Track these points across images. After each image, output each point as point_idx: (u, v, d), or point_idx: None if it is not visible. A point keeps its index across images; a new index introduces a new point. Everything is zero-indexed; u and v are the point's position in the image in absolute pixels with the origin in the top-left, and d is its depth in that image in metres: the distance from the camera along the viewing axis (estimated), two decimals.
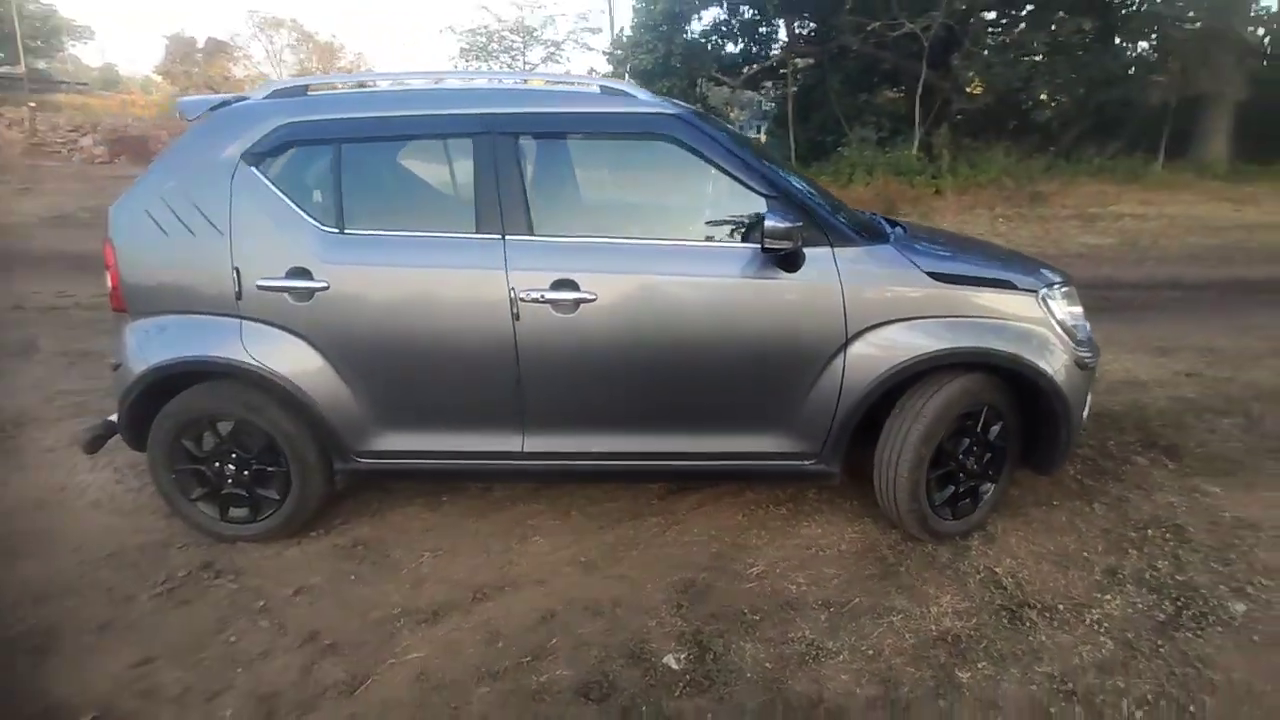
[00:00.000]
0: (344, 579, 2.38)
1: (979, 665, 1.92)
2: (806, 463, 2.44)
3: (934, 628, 2.07)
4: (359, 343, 2.36)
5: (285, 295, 2.34)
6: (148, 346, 2.41)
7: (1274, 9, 13.91)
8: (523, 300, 2.28)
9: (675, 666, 1.95)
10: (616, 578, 2.36)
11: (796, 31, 16.64)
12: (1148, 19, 14.56)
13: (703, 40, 16.80)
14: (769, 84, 18.89)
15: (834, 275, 2.28)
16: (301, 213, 2.36)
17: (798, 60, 16.85)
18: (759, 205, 2.32)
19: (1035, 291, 2.39)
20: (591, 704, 1.83)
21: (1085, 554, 2.40)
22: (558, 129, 2.43)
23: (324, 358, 2.38)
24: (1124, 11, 15.01)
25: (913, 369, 2.29)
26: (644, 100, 2.41)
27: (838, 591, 2.25)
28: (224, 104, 2.48)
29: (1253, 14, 14.65)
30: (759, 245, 2.25)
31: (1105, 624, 2.06)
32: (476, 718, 1.79)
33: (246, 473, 2.52)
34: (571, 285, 2.27)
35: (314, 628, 2.14)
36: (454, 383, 2.40)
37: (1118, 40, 15.15)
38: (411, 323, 2.35)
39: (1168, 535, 2.47)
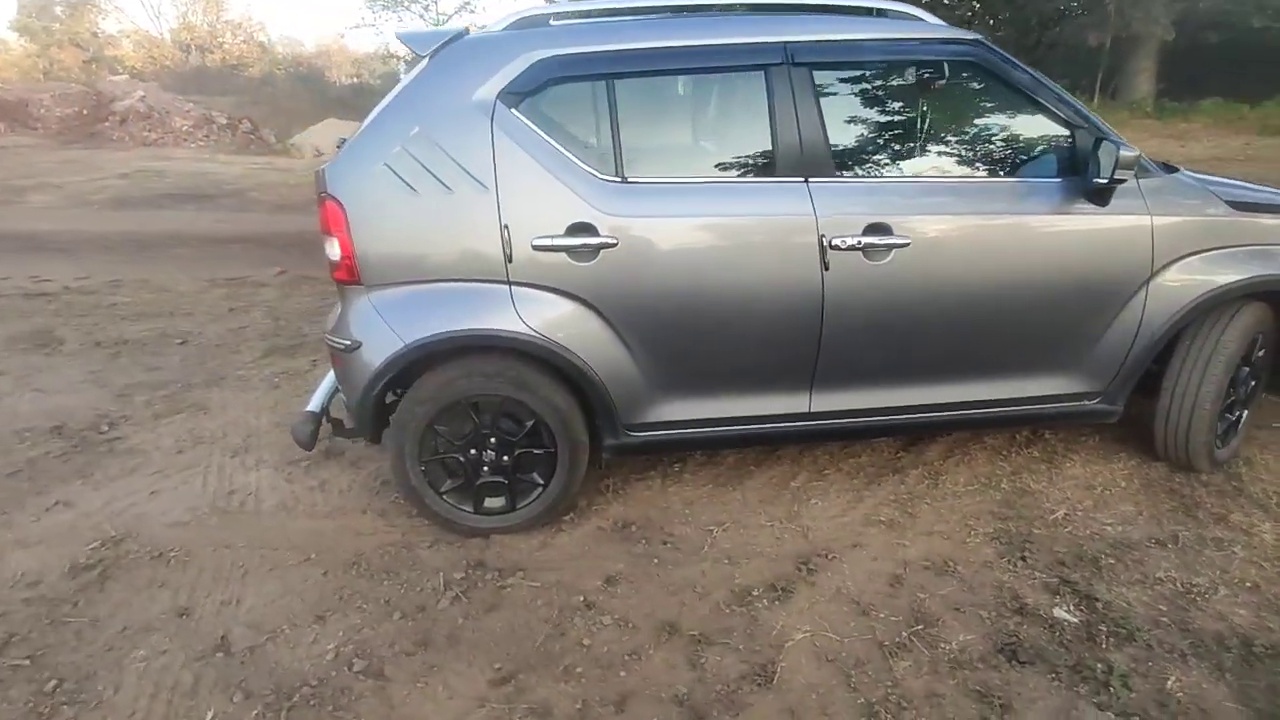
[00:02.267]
0: (647, 563, 2.19)
1: None
2: (1091, 402, 2.41)
3: (1274, 552, 2.09)
4: (647, 304, 2.12)
5: (564, 255, 2.07)
6: (400, 322, 2.09)
7: None
8: (834, 248, 2.10)
9: (1073, 619, 1.89)
10: (926, 534, 2.27)
11: None
12: None
13: None
14: None
15: (1143, 207, 2.21)
16: (576, 160, 2.07)
17: None
18: (1059, 136, 2.22)
19: None
20: (1023, 664, 1.75)
21: None
22: (857, 57, 2.22)
23: (606, 323, 2.13)
24: None
25: (1216, 301, 2.27)
26: (937, 24, 2.23)
27: (1156, 528, 2.25)
28: (458, 36, 2.13)
29: None
30: (1068, 178, 2.16)
31: None
32: (921, 693, 1.68)
33: (507, 458, 2.25)
34: (884, 230, 2.11)
35: (662, 618, 1.95)
36: (748, 343, 2.20)
37: None
38: (707, 279, 2.12)
39: None
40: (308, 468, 2.82)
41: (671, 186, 2.13)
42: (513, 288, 2.09)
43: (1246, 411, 2.56)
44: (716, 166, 2.18)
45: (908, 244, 2.12)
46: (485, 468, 2.27)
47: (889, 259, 2.13)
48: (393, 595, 2.09)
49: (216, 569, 2.23)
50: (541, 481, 2.30)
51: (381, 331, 2.10)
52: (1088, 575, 2.04)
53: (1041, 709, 1.62)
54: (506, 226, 2.05)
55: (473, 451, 2.25)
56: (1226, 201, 2.30)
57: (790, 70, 2.11)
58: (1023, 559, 2.13)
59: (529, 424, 2.23)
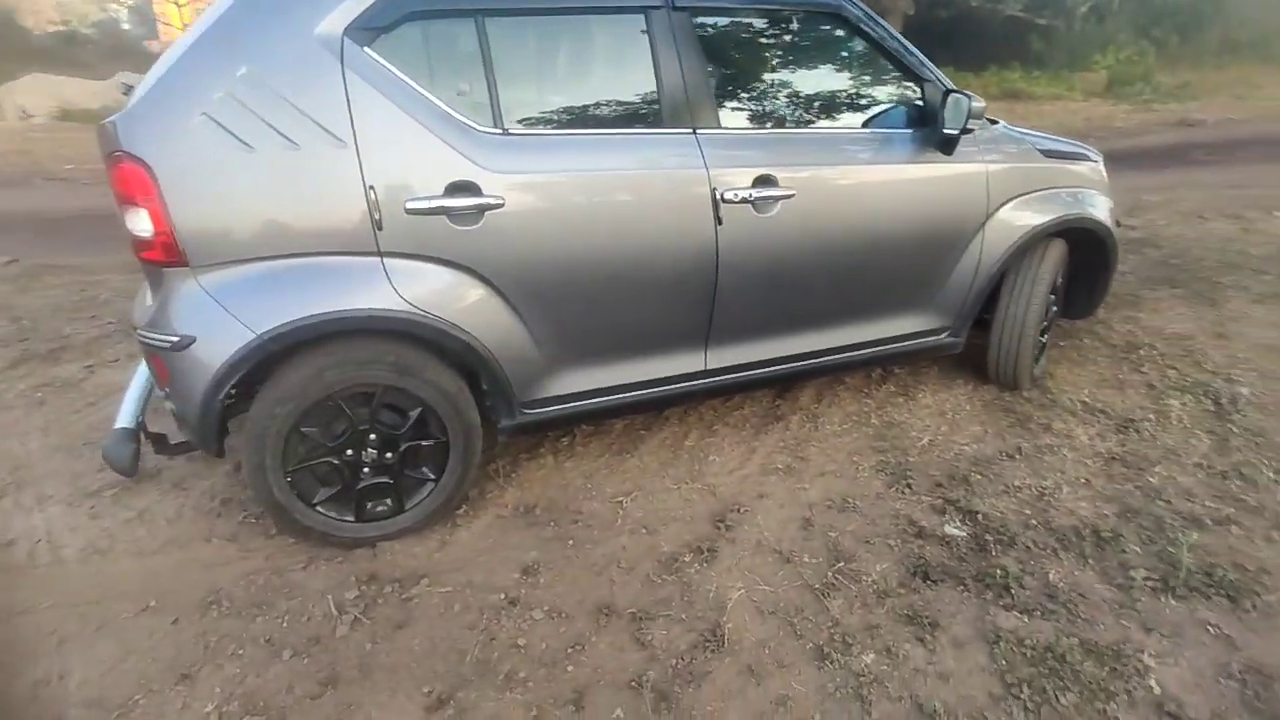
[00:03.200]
0: (562, 546, 2.05)
1: (1155, 468, 2.35)
2: (943, 336, 2.65)
3: (1097, 450, 2.47)
4: (540, 269, 1.95)
5: (444, 219, 1.83)
6: (247, 308, 1.72)
7: None
8: (726, 201, 2.06)
9: (962, 533, 2.08)
10: (820, 475, 2.37)
11: None
12: None
13: None
14: None
15: (979, 155, 2.44)
16: (450, 110, 1.82)
17: None
18: (911, 90, 2.37)
19: (1100, 160, 2.81)
20: (936, 583, 1.89)
21: (1121, 375, 2.99)
22: (741, 6, 2.16)
23: (496, 293, 1.93)
24: None
25: (1035, 239, 2.58)
26: None
27: (1002, 442, 2.54)
28: None
29: None
30: (923, 128, 2.32)
31: (1183, 418, 2.63)
32: (860, 627, 1.75)
33: (392, 454, 1.98)
34: (771, 182, 2.12)
35: (595, 601, 1.84)
36: (647, 303, 2.11)
37: None
38: (603, 238, 1.99)
39: (1166, 349, 3.17)
40: (115, 497, 2.30)
41: (558, 139, 1.95)
42: (385, 259, 1.80)
43: (1047, 334, 2.98)
44: (601, 117, 2.03)
45: (792, 195, 2.14)
46: (366, 469, 1.98)
47: (775, 211, 2.14)
48: (274, 632, 1.76)
49: (15, 643, 1.73)
50: (433, 475, 2.06)
51: (222, 322, 1.72)
52: (963, 493, 2.25)
53: (963, 620, 1.77)
54: (372, 188, 1.75)
55: (349, 452, 1.95)
56: (1040, 150, 2.61)
57: (671, 14, 2.01)
58: (908, 486, 2.30)
59: (414, 413, 1.97)
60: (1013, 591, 1.84)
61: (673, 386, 2.28)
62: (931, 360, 3.06)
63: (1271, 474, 2.30)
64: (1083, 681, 1.58)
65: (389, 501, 2.04)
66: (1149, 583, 1.86)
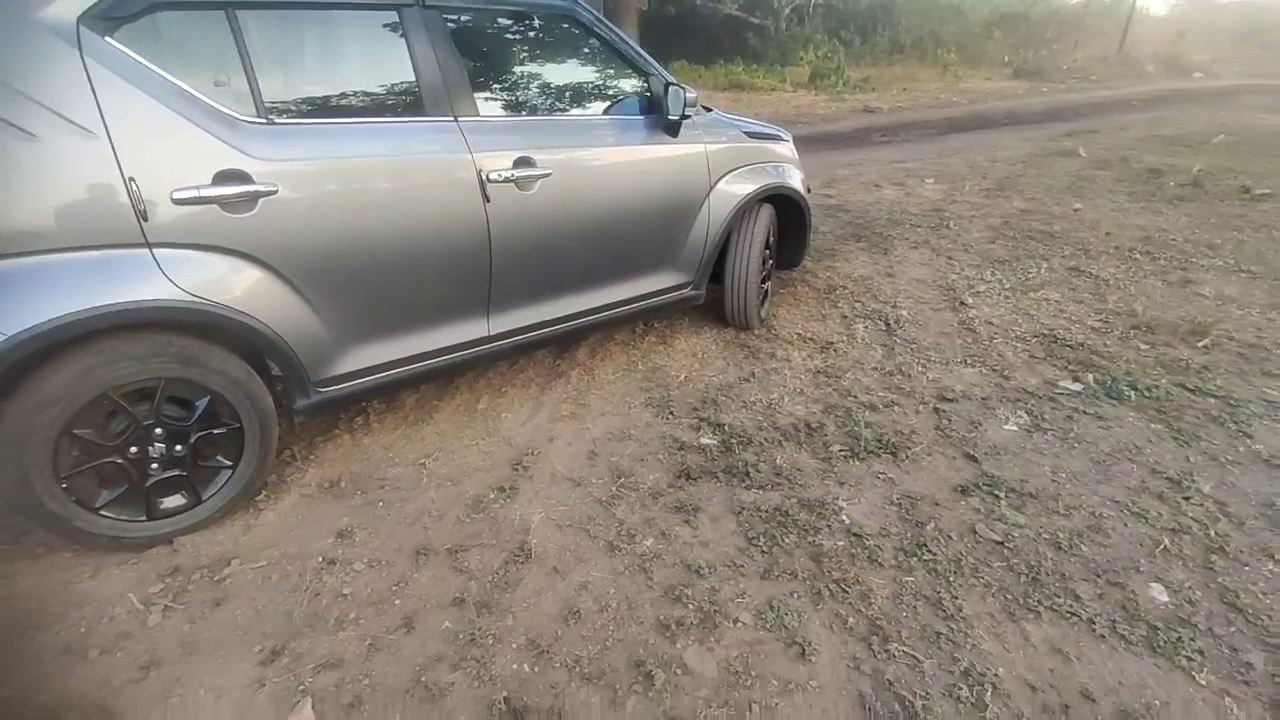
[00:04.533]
0: (372, 509, 2.21)
1: (846, 374, 3.07)
2: (686, 290, 3.16)
3: (807, 367, 3.14)
4: (320, 252, 2.07)
5: (216, 207, 1.88)
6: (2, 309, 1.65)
7: None
8: (492, 181, 2.33)
9: (713, 441, 2.58)
10: (600, 415, 2.76)
11: None
12: None
13: None
14: None
15: (700, 138, 2.96)
16: (209, 100, 1.87)
17: None
18: (636, 82, 2.81)
19: (790, 140, 3.50)
20: (695, 480, 2.36)
21: (823, 310, 3.77)
22: (487, 5, 2.39)
23: (278, 277, 2.01)
24: None
25: (748, 204, 3.18)
26: None
27: (739, 371, 3.12)
28: None
29: None
30: (652, 114, 2.78)
31: (865, 336, 3.44)
32: (640, 522, 2.15)
33: (182, 447, 1.99)
34: (530, 163, 2.42)
35: (412, 546, 2.04)
36: (428, 278, 2.31)
37: None
38: (377, 220, 2.15)
39: (853, 288, 4.03)
40: None
41: (325, 127, 2.07)
42: (155, 250, 1.81)
43: (768, 283, 3.65)
44: (371, 106, 2.17)
45: (550, 174, 2.46)
46: (155, 464, 1.96)
47: (536, 189, 2.44)
48: (73, 640, 1.72)
49: None
50: (229, 463, 2.09)
51: None
52: (712, 412, 2.77)
53: (718, 502, 2.24)
54: (133, 180, 1.75)
55: (134, 450, 1.92)
56: (744, 132, 3.20)
57: (422, 10, 2.21)
58: (670, 413, 2.77)
59: (201, 403, 1.99)
60: (751, 475, 2.37)
61: (460, 354, 2.50)
62: (682, 313, 3.59)
63: (920, 369, 3.13)
64: (800, 525, 2.13)
65: (183, 495, 2.04)
66: (842, 453, 2.50)
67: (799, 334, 3.47)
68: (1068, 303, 3.82)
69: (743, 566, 1.98)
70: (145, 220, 1.78)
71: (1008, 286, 4.06)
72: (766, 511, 2.19)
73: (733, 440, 2.58)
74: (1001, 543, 2.08)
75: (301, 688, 1.60)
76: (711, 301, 3.37)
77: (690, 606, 1.84)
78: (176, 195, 1.81)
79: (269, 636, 1.73)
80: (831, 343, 3.36)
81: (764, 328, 3.52)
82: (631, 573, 1.96)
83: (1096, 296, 3.89)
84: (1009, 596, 1.89)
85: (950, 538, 2.10)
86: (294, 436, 2.52)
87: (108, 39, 1.73)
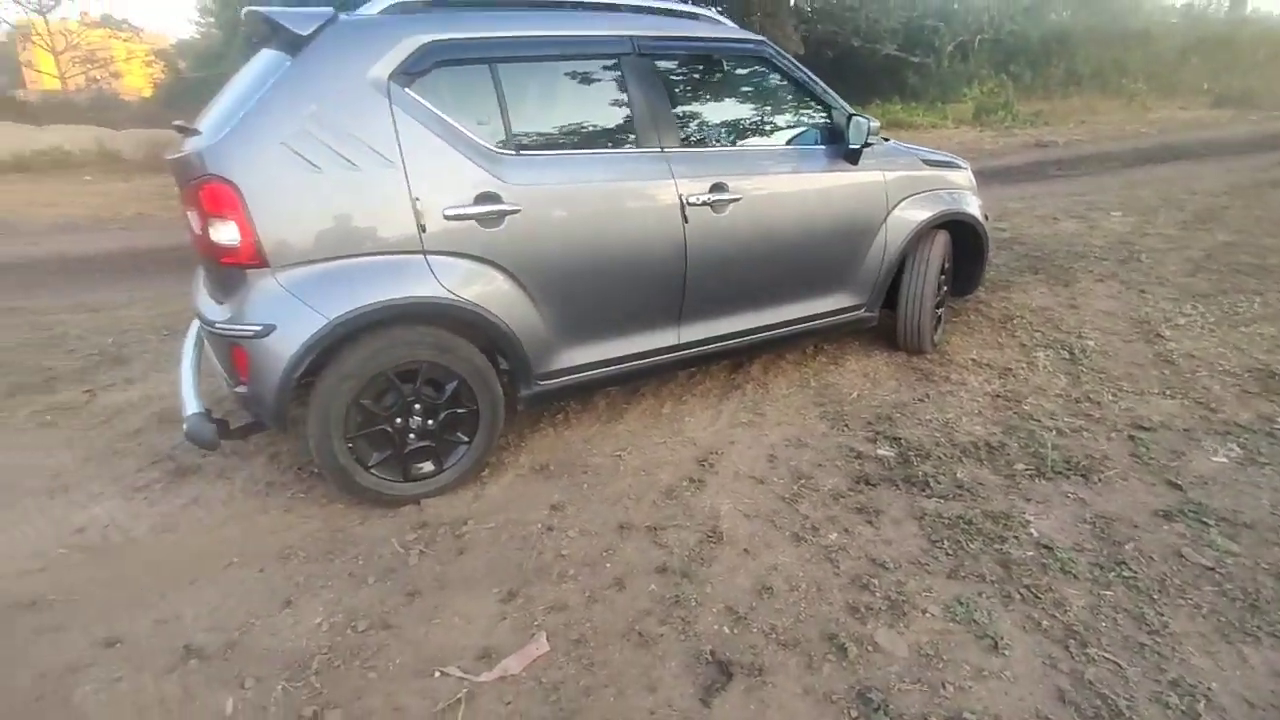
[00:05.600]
0: (578, 489, 2.49)
1: (1027, 399, 3.02)
2: (860, 312, 3.27)
3: (985, 391, 3.12)
4: (550, 261, 2.42)
5: (474, 222, 2.28)
6: (320, 299, 2.11)
7: None
8: (690, 204, 2.60)
9: (890, 453, 2.66)
10: (777, 425, 2.91)
11: None
12: None
13: None
14: None
15: (878, 165, 3.09)
16: (475, 136, 2.28)
17: None
18: (819, 113, 3.01)
19: (968, 168, 3.54)
20: (874, 486, 2.45)
21: (1000, 339, 3.70)
22: (683, 50, 2.73)
23: (516, 282, 2.38)
24: None
25: (925, 230, 3.25)
26: (734, 26, 2.85)
27: (913, 392, 3.16)
28: (333, 19, 2.18)
29: None
30: (834, 145, 2.95)
31: (1047, 365, 3.35)
32: (823, 519, 2.28)
33: (433, 422, 2.38)
34: (723, 188, 2.68)
35: (616, 522, 2.29)
36: (632, 288, 2.61)
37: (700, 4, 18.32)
38: (595, 236, 2.49)
39: (1032, 318, 3.93)
40: (164, 489, 2.57)
41: (560, 157, 2.44)
42: (428, 256, 2.23)
43: (942, 308, 3.66)
44: (594, 140, 2.53)
45: (740, 199, 2.71)
46: (412, 435, 2.36)
47: (728, 211, 2.69)
48: (353, 569, 2.11)
49: (120, 598, 2.01)
50: (466, 439, 2.46)
51: (298, 311, 2.09)
52: (888, 427, 2.84)
53: (898, 507, 2.32)
54: (417, 199, 2.19)
55: (399, 420, 2.33)
56: (922, 160, 3.29)
57: (638, 59, 2.55)
58: (845, 426, 2.87)
59: (450, 386, 2.37)
60: (931, 485, 2.42)
61: (653, 359, 2.77)
62: (852, 335, 3.68)
63: (1110, 398, 3.01)
64: (984, 533, 2.16)
65: (430, 463, 2.42)
66: (1026, 472, 2.49)
67: (974, 360, 3.45)
68: None
69: (928, 565, 2.05)
70: (424, 232, 2.21)
71: (1212, 320, 3.78)
72: (949, 519, 2.24)
73: (910, 453, 2.64)
74: (1212, 568, 2.00)
75: (536, 623, 1.87)
76: (882, 325, 3.44)
77: (878, 594, 1.94)
78: (447, 212, 2.23)
79: (504, 581, 2.03)
80: (1010, 369, 3.31)
81: (936, 353, 3.53)
82: (818, 561, 2.08)
83: None
84: (1223, 619, 1.82)
85: (1152, 559, 2.04)
86: (507, 426, 2.88)
87: (407, 90, 2.19)
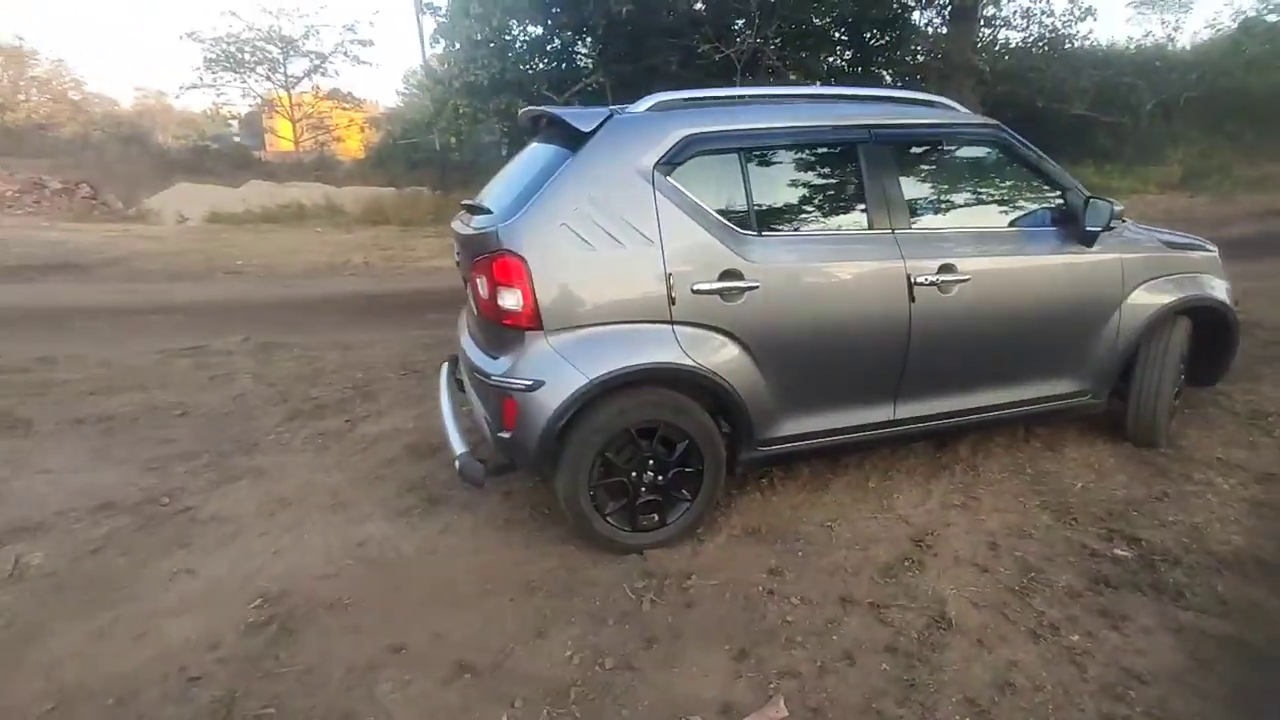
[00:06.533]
0: (793, 556, 2.55)
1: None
2: (1087, 398, 3.11)
3: (1240, 495, 2.85)
4: (780, 336, 2.55)
5: (718, 297, 2.46)
6: (583, 360, 2.37)
7: (988, 42, 17.61)
8: (918, 284, 2.65)
9: (1129, 554, 2.49)
10: (995, 511, 2.82)
11: (609, 51, 17.52)
12: (900, 50, 17.79)
13: (526, 57, 17.13)
14: (577, 102, 19.70)
15: (1115, 247, 2.98)
16: (722, 219, 2.49)
17: (603, 79, 17.75)
18: (1051, 194, 2.95)
19: (1215, 251, 3.31)
20: (1116, 589, 2.30)
21: (1250, 437, 3.35)
22: (918, 135, 2.84)
23: (748, 353, 2.53)
24: (874, 45, 18.16)
25: (1164, 316, 3.06)
26: (967, 112, 2.91)
27: (1148, 489, 2.94)
28: (610, 117, 2.50)
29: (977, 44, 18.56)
30: (1068, 225, 2.88)
31: None
32: (1061, 618, 2.18)
33: (663, 478, 2.55)
34: (951, 269, 2.70)
35: (837, 594, 2.33)
36: (854, 363, 2.68)
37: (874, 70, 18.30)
38: (825, 312, 2.60)
39: None
40: (422, 514, 2.92)
41: (796, 238, 2.60)
42: (675, 327, 2.44)
43: (1178, 399, 3.39)
44: (828, 221, 2.68)
45: (968, 279, 2.72)
46: (644, 488, 2.55)
47: (954, 292, 2.71)
48: (592, 608, 2.30)
49: (399, 609, 2.32)
50: (689, 496, 2.61)
51: (564, 370, 2.36)
52: (1123, 525, 2.67)
53: (1146, 615, 2.18)
54: (670, 275, 2.42)
55: (634, 474, 2.53)
56: (1162, 241, 3.13)
57: (873, 146, 2.67)
58: (1074, 520, 2.73)
59: (681, 445, 2.55)
60: (1187, 597, 2.24)
61: (867, 433, 2.81)
62: (1071, 422, 3.48)
63: None
64: (1266, 660, 1.97)
65: (656, 516, 2.60)
66: None
67: (1220, 459, 3.15)
68: None
69: (1195, 685, 1.90)
70: (673, 304, 2.42)
71: None
72: (1217, 638, 2.06)
73: (1154, 557, 2.46)
74: None
75: (772, 685, 1.94)
76: (1107, 414, 3.24)
77: (1136, 709, 1.83)
78: (696, 287, 2.43)
79: (734, 639, 2.13)
80: (1271, 474, 2.99)
81: (1171, 447, 3.26)
82: (1061, 662, 2.00)
83: None
84: None
85: None
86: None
87: (668, 178, 2.45)
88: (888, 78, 18.81)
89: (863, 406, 2.77)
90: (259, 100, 26.63)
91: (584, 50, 17.83)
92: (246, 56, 23.82)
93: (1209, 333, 3.31)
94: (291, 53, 24.39)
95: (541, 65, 17.67)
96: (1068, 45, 17.53)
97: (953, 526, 2.71)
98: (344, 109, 28.64)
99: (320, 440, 3.71)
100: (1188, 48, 18.91)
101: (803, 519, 2.81)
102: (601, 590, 2.39)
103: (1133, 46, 19.40)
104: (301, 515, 2.93)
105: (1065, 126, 17.07)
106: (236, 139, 31.15)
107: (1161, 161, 15.26)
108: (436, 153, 18.59)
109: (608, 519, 2.54)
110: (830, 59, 17.48)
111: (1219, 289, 3.24)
